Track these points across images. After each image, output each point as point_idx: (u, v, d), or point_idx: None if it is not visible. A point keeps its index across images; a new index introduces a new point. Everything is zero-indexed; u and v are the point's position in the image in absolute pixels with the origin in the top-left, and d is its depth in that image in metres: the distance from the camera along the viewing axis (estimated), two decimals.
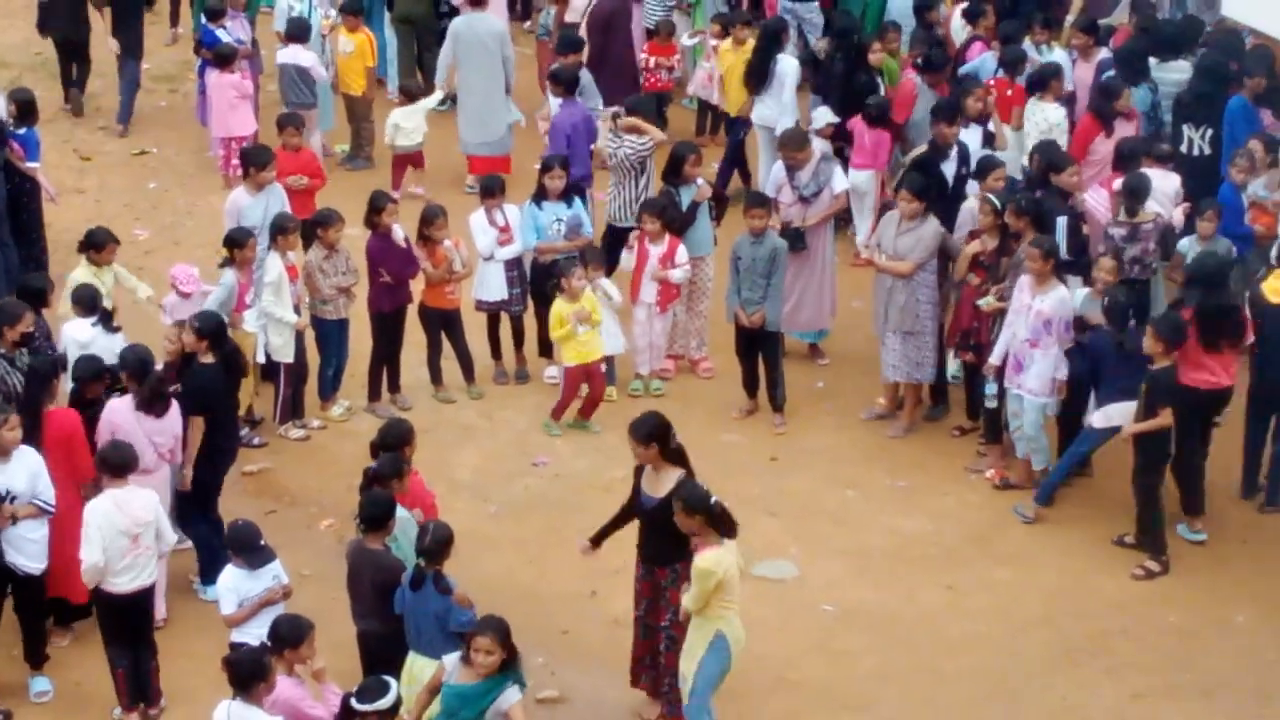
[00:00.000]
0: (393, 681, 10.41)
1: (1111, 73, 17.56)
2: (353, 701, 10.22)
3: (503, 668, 10.48)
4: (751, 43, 19.00)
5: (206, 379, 13.14)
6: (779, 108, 18.68)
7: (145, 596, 12.07)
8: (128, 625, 11.99)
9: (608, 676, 12.59)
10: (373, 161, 20.17)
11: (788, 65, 18.92)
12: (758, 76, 18.90)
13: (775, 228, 15.64)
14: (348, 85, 20.02)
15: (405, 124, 19.42)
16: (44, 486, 12.02)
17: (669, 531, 11.47)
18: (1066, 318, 14.19)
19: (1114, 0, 19.93)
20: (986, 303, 14.71)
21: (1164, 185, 15.80)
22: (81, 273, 14.75)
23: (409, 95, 19.73)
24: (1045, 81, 17.40)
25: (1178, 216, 15.72)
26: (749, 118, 19.08)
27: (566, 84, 17.88)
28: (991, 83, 18.01)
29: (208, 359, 13.15)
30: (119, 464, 11.90)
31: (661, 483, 11.69)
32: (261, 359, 15.04)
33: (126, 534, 11.75)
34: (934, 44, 18.82)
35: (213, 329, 13.22)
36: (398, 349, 15.71)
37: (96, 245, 14.90)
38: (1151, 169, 15.75)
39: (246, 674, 10.20)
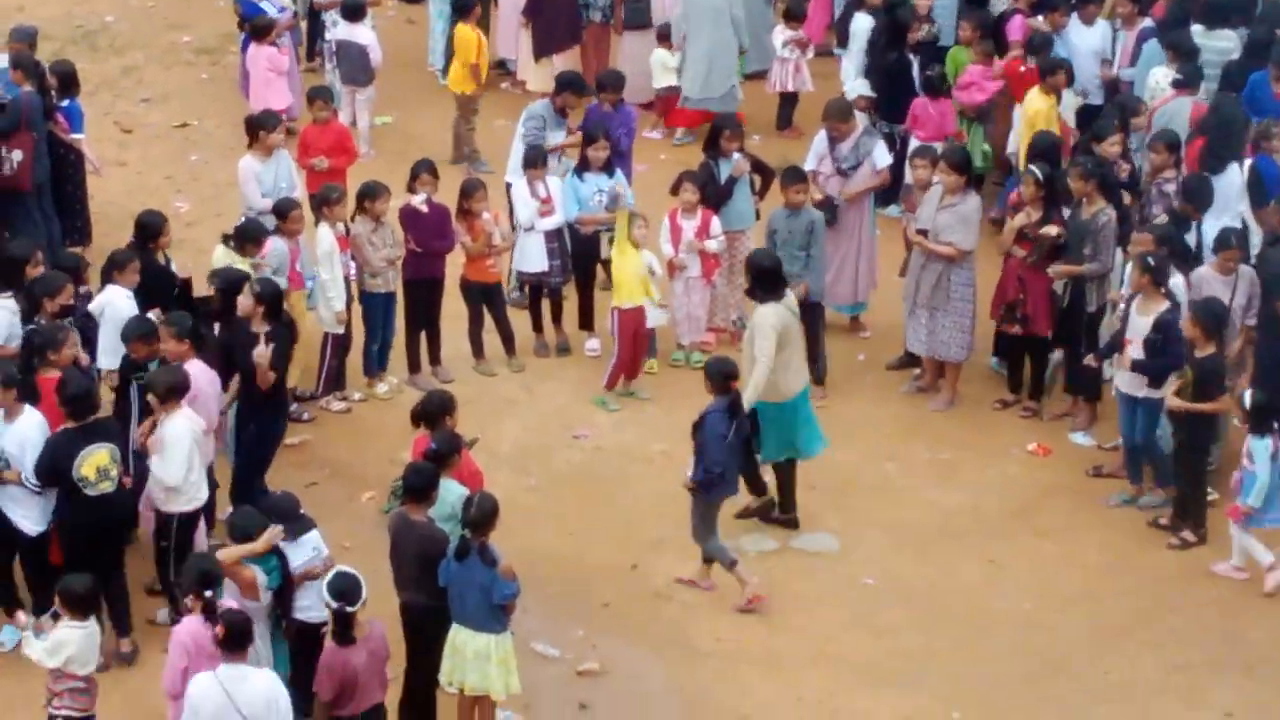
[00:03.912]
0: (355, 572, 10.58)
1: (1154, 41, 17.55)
2: (344, 607, 10.41)
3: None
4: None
5: (242, 342, 13.19)
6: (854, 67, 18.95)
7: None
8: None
9: (649, 649, 12.63)
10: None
11: (860, 23, 19.11)
12: (839, 33, 19.72)
13: (812, 201, 15.60)
14: (459, 84, 19.30)
15: (670, 63, 19.83)
16: (30, 461, 12.02)
17: None
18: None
19: None
20: (1054, 270, 14.74)
21: None
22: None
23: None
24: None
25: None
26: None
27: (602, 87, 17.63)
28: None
29: (261, 328, 13.18)
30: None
31: None
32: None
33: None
34: (984, 23, 18.54)
35: (271, 296, 13.27)
36: (435, 320, 15.68)
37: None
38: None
39: (237, 636, 10.22)
